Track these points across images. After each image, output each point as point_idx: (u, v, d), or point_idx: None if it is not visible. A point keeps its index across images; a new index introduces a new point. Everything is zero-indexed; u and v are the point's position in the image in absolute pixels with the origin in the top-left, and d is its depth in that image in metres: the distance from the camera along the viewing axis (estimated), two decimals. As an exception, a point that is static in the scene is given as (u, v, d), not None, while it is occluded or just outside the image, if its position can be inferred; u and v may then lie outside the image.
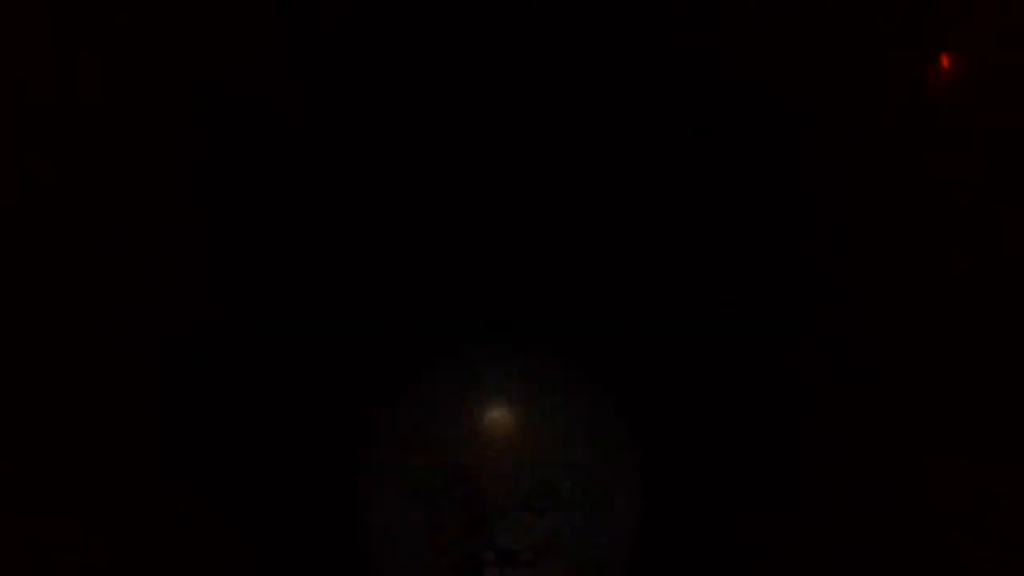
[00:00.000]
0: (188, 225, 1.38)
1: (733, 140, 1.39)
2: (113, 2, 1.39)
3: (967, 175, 1.39)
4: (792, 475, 1.37)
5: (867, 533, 1.36)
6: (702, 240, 1.39)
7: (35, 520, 1.35)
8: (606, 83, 1.40)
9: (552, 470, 1.17)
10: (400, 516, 1.19)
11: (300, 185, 1.39)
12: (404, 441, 1.21)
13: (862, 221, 1.39)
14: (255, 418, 1.36)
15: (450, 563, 1.16)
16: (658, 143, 1.39)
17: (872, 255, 1.38)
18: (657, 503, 1.31)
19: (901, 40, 1.40)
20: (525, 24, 1.40)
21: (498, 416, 1.19)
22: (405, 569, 1.20)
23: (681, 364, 1.37)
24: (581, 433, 1.21)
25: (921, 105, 1.40)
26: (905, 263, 1.38)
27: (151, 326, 1.37)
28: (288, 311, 1.38)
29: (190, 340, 1.38)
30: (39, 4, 1.39)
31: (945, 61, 1.25)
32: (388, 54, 1.39)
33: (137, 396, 1.37)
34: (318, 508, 1.35)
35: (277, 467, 1.36)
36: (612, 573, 1.24)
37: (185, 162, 1.39)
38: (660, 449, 1.33)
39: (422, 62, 1.39)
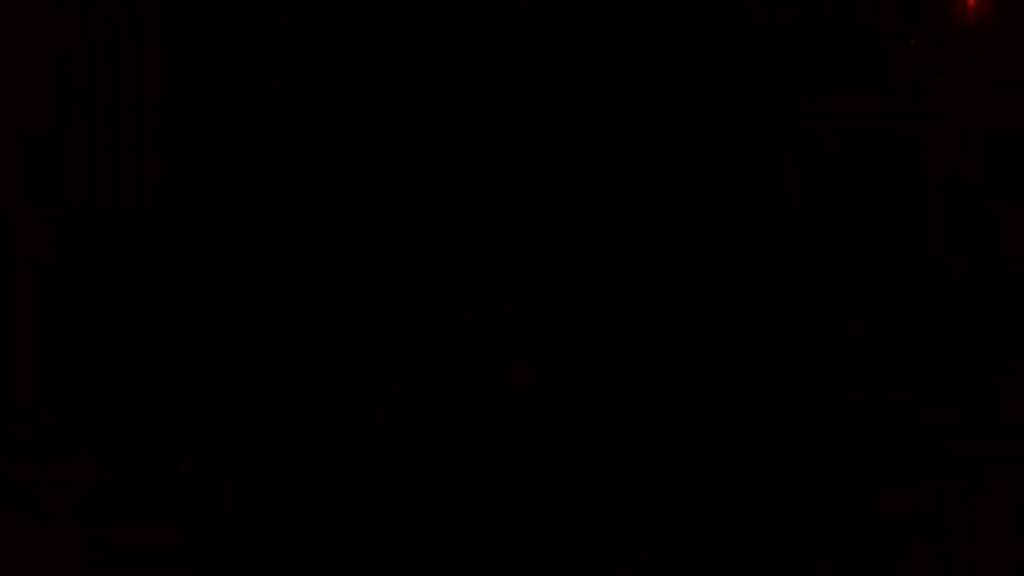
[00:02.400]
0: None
1: (731, 138, 1.38)
2: (116, 11, 1.39)
3: (966, 174, 1.39)
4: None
5: (865, 531, 1.36)
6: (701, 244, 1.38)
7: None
8: (605, 82, 1.39)
9: None
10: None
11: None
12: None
13: (862, 221, 1.38)
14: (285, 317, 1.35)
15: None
16: (656, 142, 1.39)
17: (872, 255, 1.38)
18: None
19: (900, 37, 1.39)
20: (525, 23, 1.39)
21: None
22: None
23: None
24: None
25: (919, 103, 1.39)
26: (905, 263, 1.38)
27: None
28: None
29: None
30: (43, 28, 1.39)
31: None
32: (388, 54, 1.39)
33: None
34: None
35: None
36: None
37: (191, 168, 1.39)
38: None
39: (420, 61, 1.39)
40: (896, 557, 1.35)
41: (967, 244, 1.38)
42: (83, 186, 1.37)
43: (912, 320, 1.37)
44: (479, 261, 1.37)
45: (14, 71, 1.39)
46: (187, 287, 1.37)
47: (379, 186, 1.38)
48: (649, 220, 1.38)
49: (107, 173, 1.38)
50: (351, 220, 1.38)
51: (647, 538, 1.34)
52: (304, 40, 1.39)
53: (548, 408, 1.35)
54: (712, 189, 1.38)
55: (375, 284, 1.36)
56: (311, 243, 1.38)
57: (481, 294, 1.37)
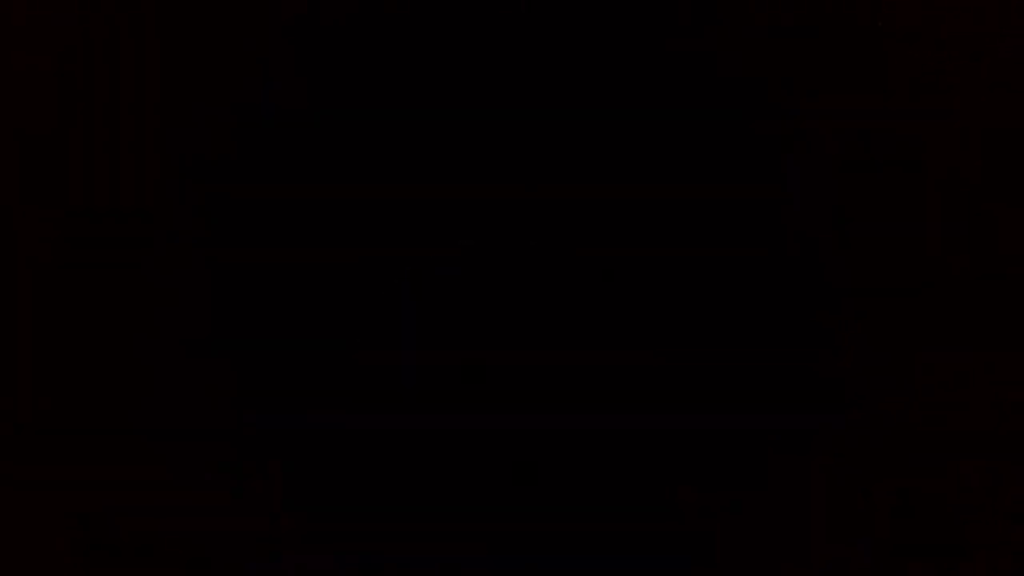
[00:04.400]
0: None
1: (731, 138, 1.38)
2: (115, 9, 1.39)
3: (965, 174, 1.39)
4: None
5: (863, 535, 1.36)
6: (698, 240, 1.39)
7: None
8: (607, 83, 1.39)
9: None
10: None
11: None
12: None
13: (862, 221, 1.38)
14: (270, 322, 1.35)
15: None
16: (655, 141, 1.39)
17: (872, 255, 1.38)
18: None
19: (901, 39, 1.39)
20: (525, 23, 1.39)
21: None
22: None
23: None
24: None
25: (919, 104, 1.39)
26: (905, 263, 1.38)
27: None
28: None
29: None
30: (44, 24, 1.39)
31: None
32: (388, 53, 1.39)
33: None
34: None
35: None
36: None
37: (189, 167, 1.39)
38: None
39: (420, 61, 1.39)
40: (891, 556, 1.35)
41: (967, 244, 1.38)
42: (83, 186, 1.37)
43: (912, 320, 1.37)
44: (479, 261, 1.37)
45: (14, 71, 1.39)
46: (187, 287, 1.37)
47: (379, 186, 1.38)
48: (648, 220, 1.38)
49: (107, 173, 1.38)
50: (351, 220, 1.38)
51: (640, 541, 1.34)
52: (304, 40, 1.39)
53: (543, 408, 1.35)
54: (712, 189, 1.38)
55: (375, 284, 1.36)
56: (311, 243, 1.38)
57: (481, 294, 1.37)
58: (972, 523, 1.35)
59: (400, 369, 1.35)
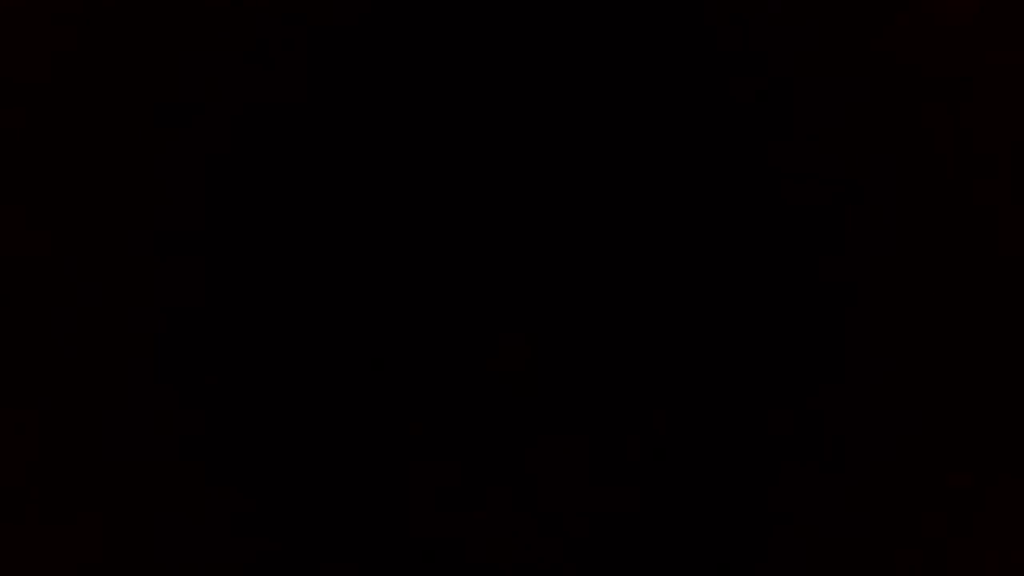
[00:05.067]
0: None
1: (732, 137, 1.39)
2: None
3: (965, 174, 1.39)
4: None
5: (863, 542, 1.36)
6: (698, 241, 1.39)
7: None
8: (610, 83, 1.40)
9: None
10: None
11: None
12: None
13: (864, 218, 1.39)
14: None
15: None
16: (654, 138, 1.39)
17: (873, 255, 1.38)
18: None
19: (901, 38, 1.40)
20: (528, 18, 1.40)
21: None
22: None
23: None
24: None
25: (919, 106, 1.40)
26: (906, 263, 1.38)
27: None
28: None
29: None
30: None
31: None
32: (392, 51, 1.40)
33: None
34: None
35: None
36: None
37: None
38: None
39: (425, 57, 1.39)
40: (892, 556, 1.35)
41: (967, 244, 1.38)
42: (83, 186, 1.38)
43: (912, 320, 1.37)
44: (480, 262, 1.37)
45: (14, 71, 1.39)
46: (187, 286, 1.38)
47: (379, 185, 1.39)
48: (648, 223, 1.38)
49: (108, 173, 1.38)
50: (350, 218, 1.38)
51: (645, 549, 1.34)
52: (305, 40, 1.39)
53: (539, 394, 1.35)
54: (712, 186, 1.39)
55: (375, 283, 1.36)
56: (311, 243, 1.38)
57: (482, 295, 1.37)
58: (974, 512, 1.35)
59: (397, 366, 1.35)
